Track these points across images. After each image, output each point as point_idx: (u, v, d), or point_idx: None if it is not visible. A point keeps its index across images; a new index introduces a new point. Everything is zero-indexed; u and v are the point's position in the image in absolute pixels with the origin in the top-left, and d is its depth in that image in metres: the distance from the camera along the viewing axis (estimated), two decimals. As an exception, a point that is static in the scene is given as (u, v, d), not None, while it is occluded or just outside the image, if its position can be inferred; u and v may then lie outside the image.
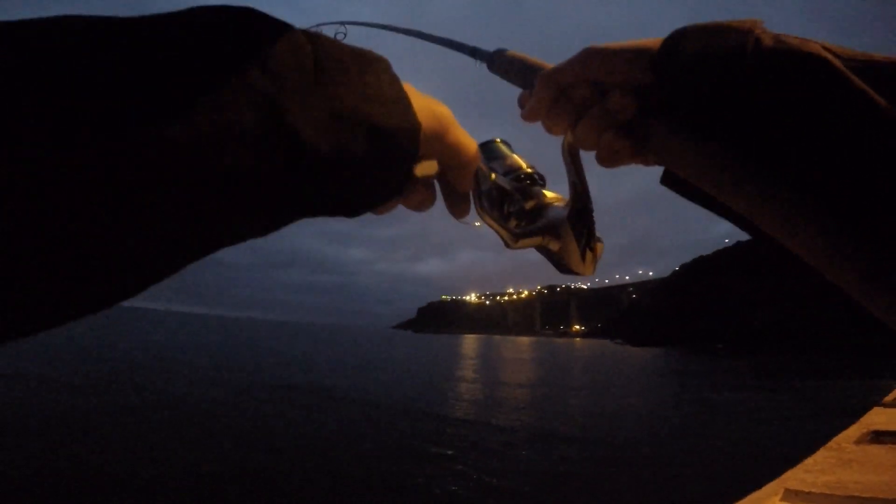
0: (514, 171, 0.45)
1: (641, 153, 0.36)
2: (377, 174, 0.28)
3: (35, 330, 0.19)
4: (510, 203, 0.44)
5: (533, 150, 0.50)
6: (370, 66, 0.27)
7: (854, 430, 3.52)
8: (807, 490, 2.20)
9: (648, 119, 0.34)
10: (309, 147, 0.23)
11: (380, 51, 0.29)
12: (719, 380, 22.85)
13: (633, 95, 0.35)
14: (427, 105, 0.30)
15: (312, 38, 0.25)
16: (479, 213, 0.44)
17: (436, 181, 0.35)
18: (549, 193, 0.44)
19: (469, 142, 0.34)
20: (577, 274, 0.42)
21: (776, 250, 0.32)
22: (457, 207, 0.38)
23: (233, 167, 0.21)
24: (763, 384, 20.05)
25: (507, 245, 0.42)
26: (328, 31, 1.02)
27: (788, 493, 2.24)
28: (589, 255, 0.41)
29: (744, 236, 0.36)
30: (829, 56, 0.28)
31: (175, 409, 9.01)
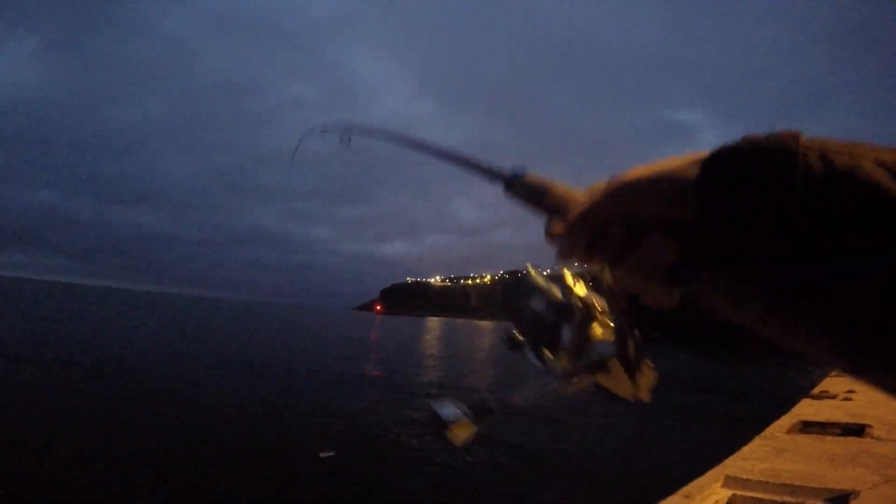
0: (550, 306, 0.44)
1: (688, 297, 0.34)
2: None
3: None
4: (556, 341, 0.43)
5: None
6: None
7: (786, 420, 3.87)
8: (745, 477, 2.42)
9: (692, 261, 0.31)
10: None
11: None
12: (664, 368, 24.24)
13: (673, 235, 0.32)
14: None
15: None
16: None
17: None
18: (595, 328, 0.42)
19: None
20: (629, 402, 0.42)
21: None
22: None
23: None
24: (703, 374, 21.45)
25: (557, 393, 0.42)
26: (332, 136, 0.88)
27: (729, 480, 2.45)
28: (641, 382, 0.41)
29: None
30: (881, 178, 0.26)
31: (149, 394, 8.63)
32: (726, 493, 2.14)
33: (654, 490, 2.24)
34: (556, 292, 0.44)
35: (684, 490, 2.05)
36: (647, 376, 0.41)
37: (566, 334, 0.42)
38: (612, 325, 0.41)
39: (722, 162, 0.30)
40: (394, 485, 5.23)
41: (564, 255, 0.38)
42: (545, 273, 0.48)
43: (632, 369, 0.40)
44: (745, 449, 2.91)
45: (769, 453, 2.84)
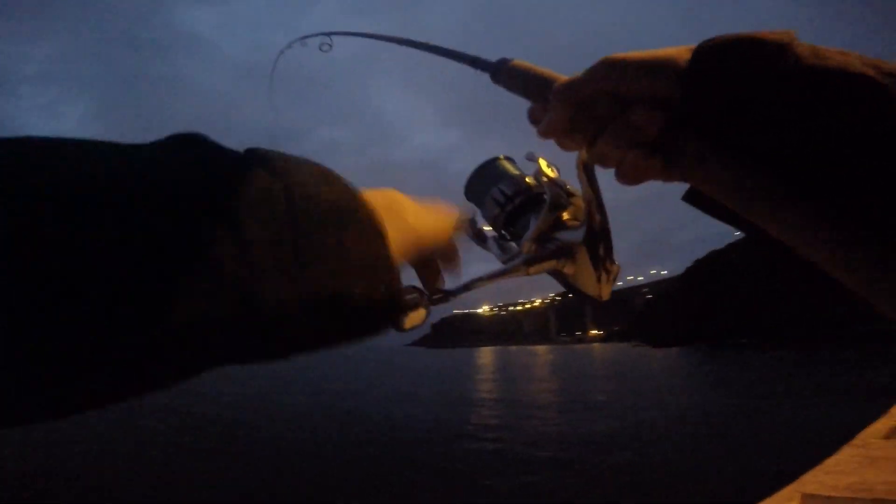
0: (520, 190, 0.44)
1: (668, 171, 0.34)
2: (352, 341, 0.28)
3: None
4: (520, 227, 0.43)
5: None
6: (350, 227, 0.25)
7: (882, 424, 3.31)
8: (826, 494, 2.04)
9: (676, 135, 0.32)
10: (284, 333, 0.23)
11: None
12: (739, 378, 22.19)
13: (659, 110, 0.32)
14: (405, 227, 0.30)
15: (287, 191, 0.24)
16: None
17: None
18: (565, 214, 0.41)
19: (445, 230, 0.34)
20: (589, 297, 0.41)
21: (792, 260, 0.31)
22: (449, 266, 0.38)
23: (207, 350, 0.22)
24: (787, 379, 19.41)
25: (519, 274, 0.40)
26: (313, 43, 0.90)
27: (806, 499, 2.07)
28: (604, 277, 0.40)
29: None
30: (873, 73, 0.27)
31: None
32: (804, 514, 1.80)
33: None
34: (528, 179, 0.44)
35: (746, 514, 1.75)
36: (611, 270, 0.40)
37: (533, 219, 0.41)
38: (583, 211, 0.40)
39: (717, 45, 0.31)
40: None
41: (545, 132, 0.36)
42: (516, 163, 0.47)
43: (597, 259, 0.39)
44: (830, 461, 2.50)
45: (860, 464, 2.42)
